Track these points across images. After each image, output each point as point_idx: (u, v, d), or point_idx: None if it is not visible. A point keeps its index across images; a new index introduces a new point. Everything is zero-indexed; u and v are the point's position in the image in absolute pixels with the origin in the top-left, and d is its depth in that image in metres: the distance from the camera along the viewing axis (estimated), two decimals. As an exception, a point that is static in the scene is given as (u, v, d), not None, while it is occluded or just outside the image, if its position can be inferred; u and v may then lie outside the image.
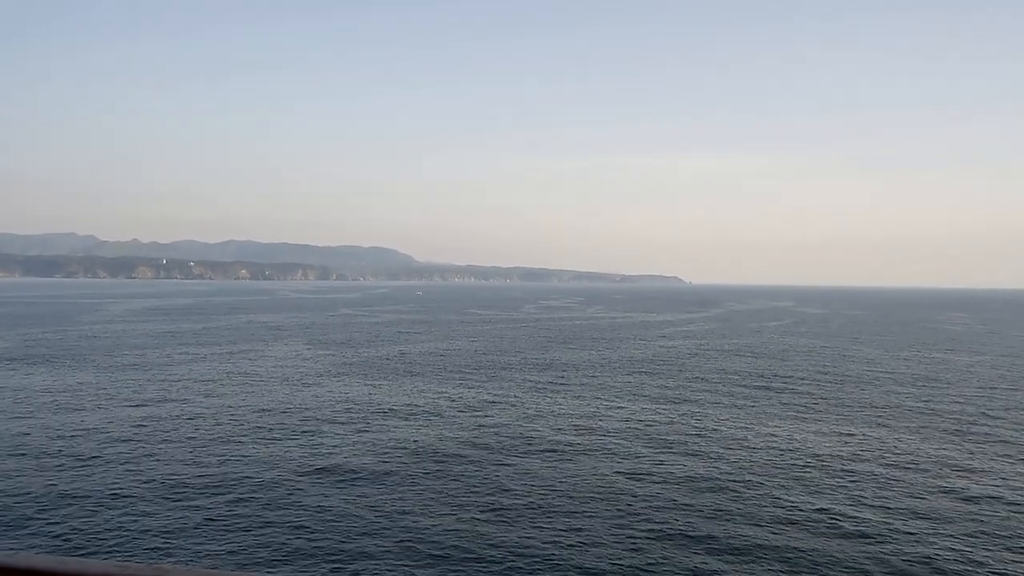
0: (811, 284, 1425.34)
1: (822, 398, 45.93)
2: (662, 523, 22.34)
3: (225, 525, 21.82)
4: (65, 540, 20.61)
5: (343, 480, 26.44)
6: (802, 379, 54.54)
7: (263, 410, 39.15)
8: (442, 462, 29.00)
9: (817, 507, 23.96)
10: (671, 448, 31.86)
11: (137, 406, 39.72)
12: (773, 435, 34.69)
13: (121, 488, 24.98)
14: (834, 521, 22.65)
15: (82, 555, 20.10)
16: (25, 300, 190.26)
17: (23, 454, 29.29)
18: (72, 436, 32.39)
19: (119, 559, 19.58)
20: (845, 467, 29.07)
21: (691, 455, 30.72)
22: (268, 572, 19.08)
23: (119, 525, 21.65)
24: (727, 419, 38.52)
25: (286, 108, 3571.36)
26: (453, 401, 42.85)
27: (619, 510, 23.48)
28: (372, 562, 19.48)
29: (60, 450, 29.94)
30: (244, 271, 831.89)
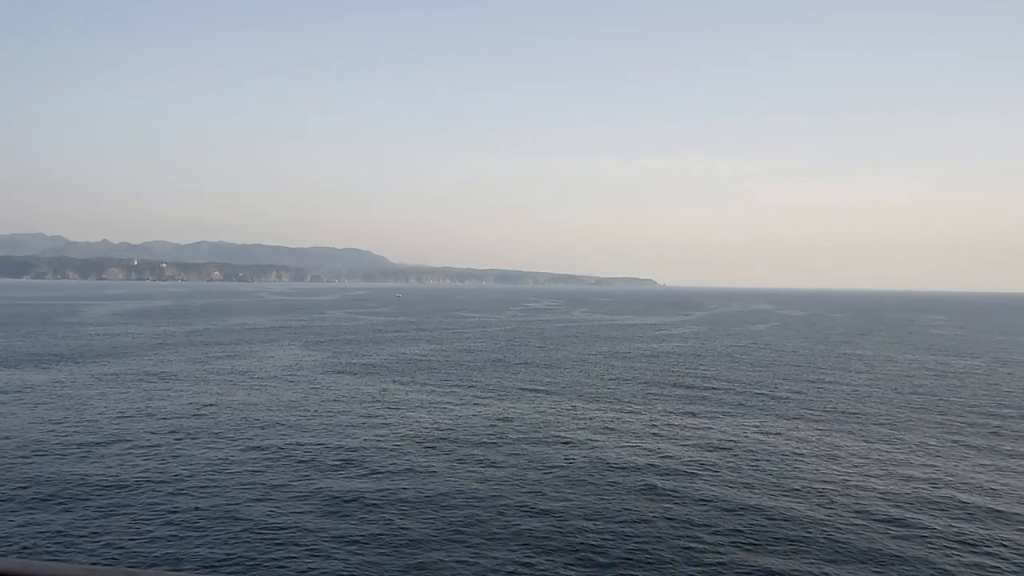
0: (783, 287, 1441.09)
1: (833, 405, 46.45)
2: (687, 537, 22.50)
3: (218, 530, 21.63)
4: (55, 542, 20.30)
5: (351, 488, 26.29)
6: (805, 383, 55.15)
7: (273, 417, 38.77)
8: (453, 472, 28.93)
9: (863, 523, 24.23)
10: (697, 458, 32.04)
11: (142, 412, 39.15)
12: (794, 442, 35.07)
13: (123, 493, 24.68)
14: (885, 534, 22.95)
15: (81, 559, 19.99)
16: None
17: (14, 458, 28.80)
18: (72, 442, 31.86)
19: (90, 563, 19.45)
20: (883, 480, 29.46)
21: (718, 466, 30.90)
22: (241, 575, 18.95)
23: (120, 528, 21.38)
24: (750, 427, 38.84)
25: (258, 110, 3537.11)
26: (460, 408, 42.74)
27: (640, 522, 23.58)
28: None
29: (56, 453, 29.47)
30: (217, 272, 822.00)
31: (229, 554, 20.15)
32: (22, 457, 29.16)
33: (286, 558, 19.92)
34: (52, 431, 33.83)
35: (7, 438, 32.28)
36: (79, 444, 31.44)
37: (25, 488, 25.19)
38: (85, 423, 35.70)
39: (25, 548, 20.35)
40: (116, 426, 35.14)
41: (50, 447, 30.86)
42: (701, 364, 66.38)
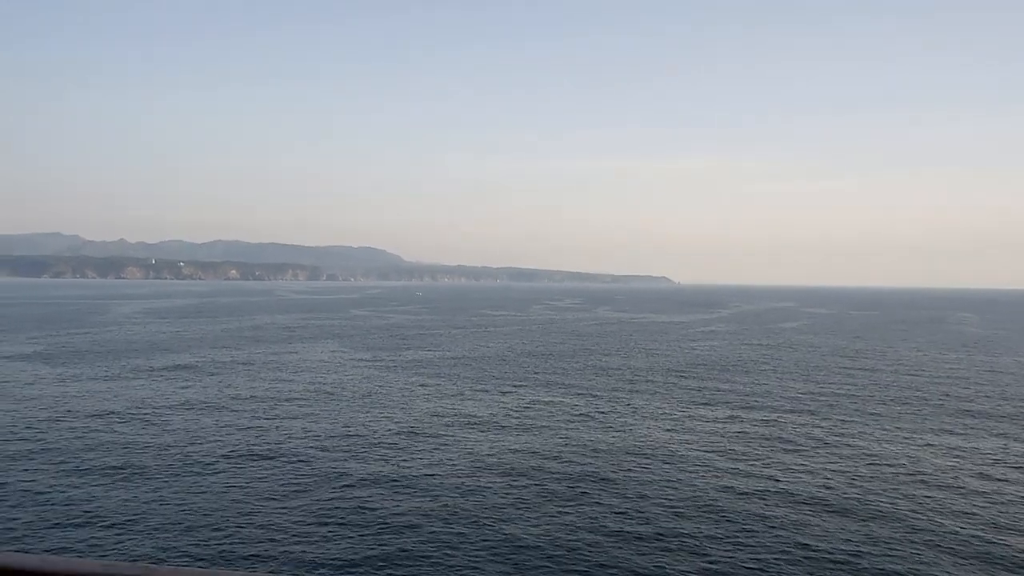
0: (797, 284, 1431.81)
1: (901, 405, 45.86)
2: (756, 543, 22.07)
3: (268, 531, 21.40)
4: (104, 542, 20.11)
5: (403, 492, 26.01)
6: (862, 383, 54.50)
7: (328, 419, 38.65)
8: (510, 475, 28.65)
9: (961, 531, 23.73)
10: (773, 469, 31.63)
11: (190, 410, 39.12)
12: (876, 444, 34.58)
13: (175, 496, 24.53)
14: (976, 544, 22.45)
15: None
16: (26, 301, 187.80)
17: (61, 459, 28.72)
18: (119, 444, 31.78)
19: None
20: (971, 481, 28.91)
21: (802, 473, 30.45)
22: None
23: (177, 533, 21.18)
24: (826, 429, 38.35)
25: (272, 111, 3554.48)
26: (507, 409, 42.50)
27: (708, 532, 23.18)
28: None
29: (109, 455, 29.40)
30: (234, 271, 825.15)
31: (284, 552, 20.02)
32: (94, 450, 29.15)
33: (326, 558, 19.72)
34: (115, 427, 33.81)
35: (74, 432, 32.30)
36: (145, 440, 31.40)
37: (81, 492, 25.15)
38: (145, 419, 35.69)
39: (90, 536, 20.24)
40: (180, 422, 35.13)
41: (120, 441, 30.83)
42: (748, 364, 65.77)
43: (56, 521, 22.18)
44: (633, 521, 22.75)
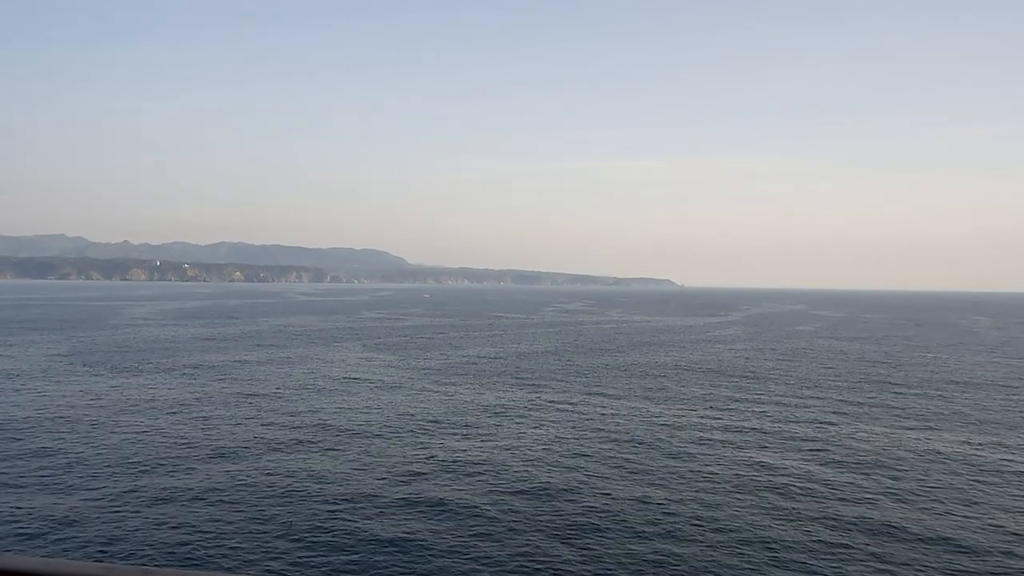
0: (804, 287, 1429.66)
1: (946, 411, 45.44)
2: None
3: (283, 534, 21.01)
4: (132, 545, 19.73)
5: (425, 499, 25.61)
6: (898, 387, 54.08)
7: (358, 421, 38.32)
8: (540, 482, 28.29)
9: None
10: (822, 471, 31.22)
11: (221, 413, 38.80)
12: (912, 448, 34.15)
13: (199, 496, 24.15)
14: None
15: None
16: (40, 303, 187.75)
17: (74, 460, 28.34)
18: (164, 445, 31.44)
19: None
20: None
21: (836, 475, 30.06)
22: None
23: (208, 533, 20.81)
24: (864, 432, 37.97)
25: (275, 112, 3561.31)
26: (555, 415, 42.13)
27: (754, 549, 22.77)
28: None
29: (136, 457, 29.04)
30: (238, 273, 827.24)
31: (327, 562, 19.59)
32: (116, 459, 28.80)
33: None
34: (132, 429, 33.47)
35: (91, 432, 31.95)
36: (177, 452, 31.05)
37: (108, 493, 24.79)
38: (171, 420, 35.34)
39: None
40: (217, 431, 34.76)
41: (133, 443, 30.49)
42: (777, 370, 65.31)
43: (58, 523, 21.92)
44: (677, 538, 22.36)
